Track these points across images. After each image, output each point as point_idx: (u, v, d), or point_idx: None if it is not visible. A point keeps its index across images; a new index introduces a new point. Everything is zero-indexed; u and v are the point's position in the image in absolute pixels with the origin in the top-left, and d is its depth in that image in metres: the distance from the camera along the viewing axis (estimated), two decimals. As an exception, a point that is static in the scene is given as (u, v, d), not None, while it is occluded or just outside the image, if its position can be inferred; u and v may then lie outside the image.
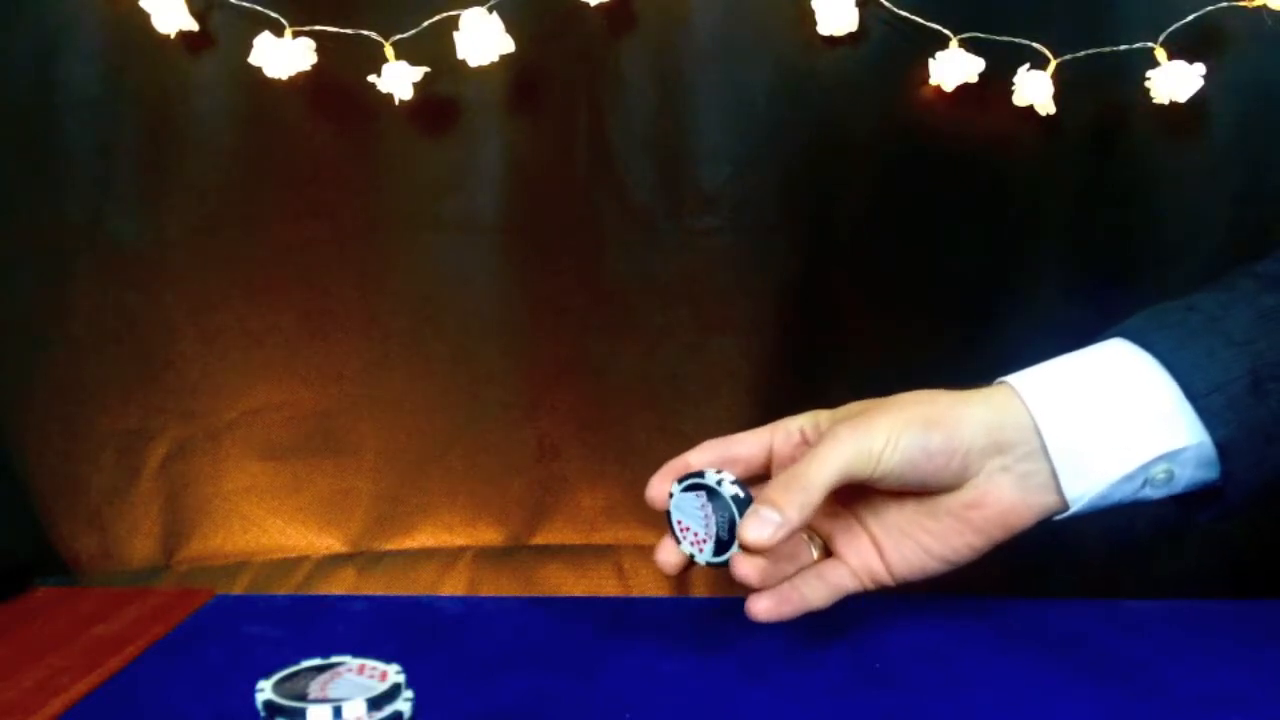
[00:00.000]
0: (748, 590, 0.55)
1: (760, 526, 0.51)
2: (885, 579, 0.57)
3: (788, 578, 0.56)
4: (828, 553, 0.59)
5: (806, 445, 0.59)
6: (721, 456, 0.59)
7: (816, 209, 0.78)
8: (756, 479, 0.59)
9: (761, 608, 0.54)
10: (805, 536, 0.59)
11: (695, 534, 0.56)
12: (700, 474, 0.55)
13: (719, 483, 0.54)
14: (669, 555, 0.57)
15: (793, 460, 0.59)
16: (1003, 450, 0.55)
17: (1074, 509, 0.55)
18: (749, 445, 0.59)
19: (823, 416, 0.58)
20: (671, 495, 0.56)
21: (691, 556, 0.56)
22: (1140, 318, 0.58)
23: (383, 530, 0.82)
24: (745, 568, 0.53)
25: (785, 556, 0.57)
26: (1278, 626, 0.62)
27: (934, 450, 0.53)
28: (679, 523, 0.56)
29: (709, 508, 0.55)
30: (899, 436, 0.53)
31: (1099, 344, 0.58)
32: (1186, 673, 0.56)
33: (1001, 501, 0.55)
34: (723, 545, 0.54)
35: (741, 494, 0.54)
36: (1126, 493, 0.55)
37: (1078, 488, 0.55)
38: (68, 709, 0.54)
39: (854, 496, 0.58)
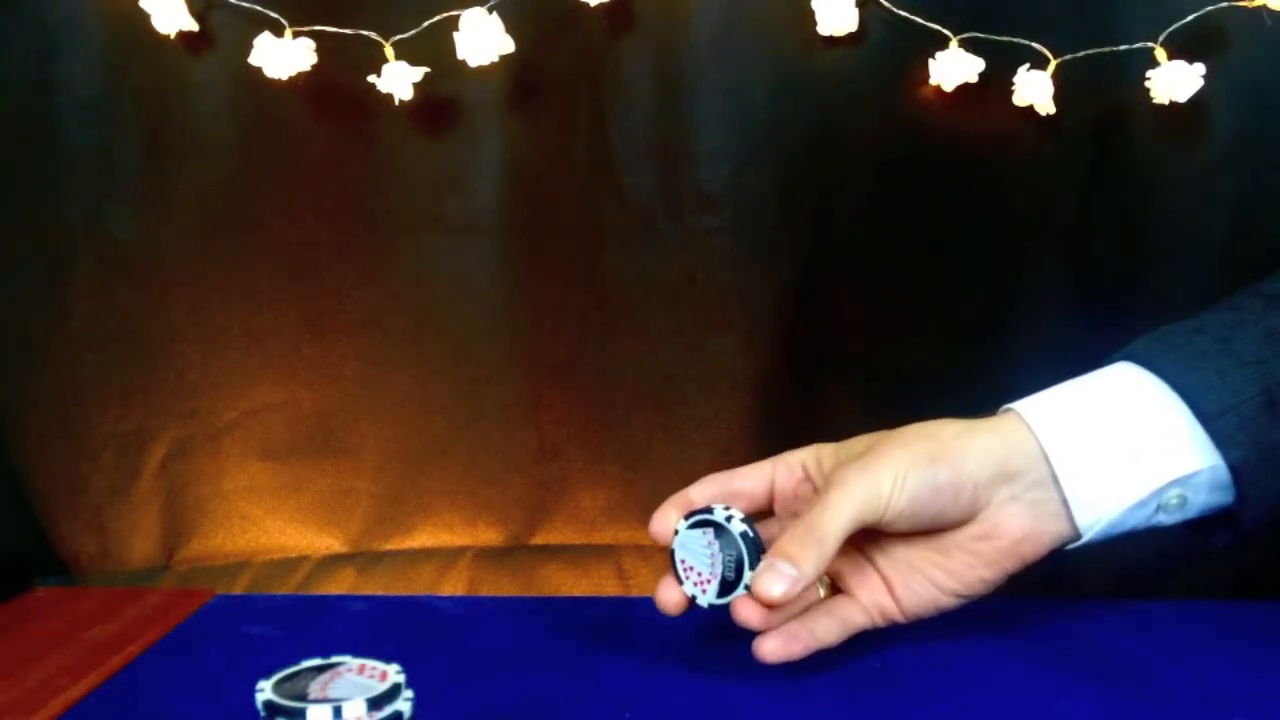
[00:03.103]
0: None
1: (776, 581, 0.50)
2: (896, 615, 0.56)
3: (793, 617, 0.55)
4: (835, 589, 0.58)
5: (808, 481, 0.58)
6: (723, 491, 0.58)
7: (816, 209, 0.78)
8: (759, 514, 0.59)
9: (769, 649, 0.53)
10: None
11: (699, 573, 0.55)
12: (708, 510, 0.55)
13: (728, 519, 0.54)
14: (670, 595, 0.56)
15: (796, 497, 0.58)
16: (1010, 479, 0.54)
17: (1086, 537, 0.55)
18: (751, 480, 0.58)
19: (825, 452, 0.58)
20: (677, 532, 0.55)
21: (694, 598, 0.55)
22: (1146, 340, 0.57)
23: (383, 530, 0.82)
24: (747, 611, 0.52)
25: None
26: (1278, 627, 0.62)
27: (941, 486, 0.53)
28: (683, 561, 0.55)
29: (715, 545, 0.54)
30: (905, 476, 0.52)
31: (1105, 368, 0.57)
32: (1187, 674, 0.56)
33: (1013, 532, 0.54)
34: (728, 586, 0.54)
35: (750, 533, 0.53)
36: (1139, 519, 0.55)
37: (1089, 516, 0.54)
38: (68, 709, 0.54)
39: (862, 534, 0.57)
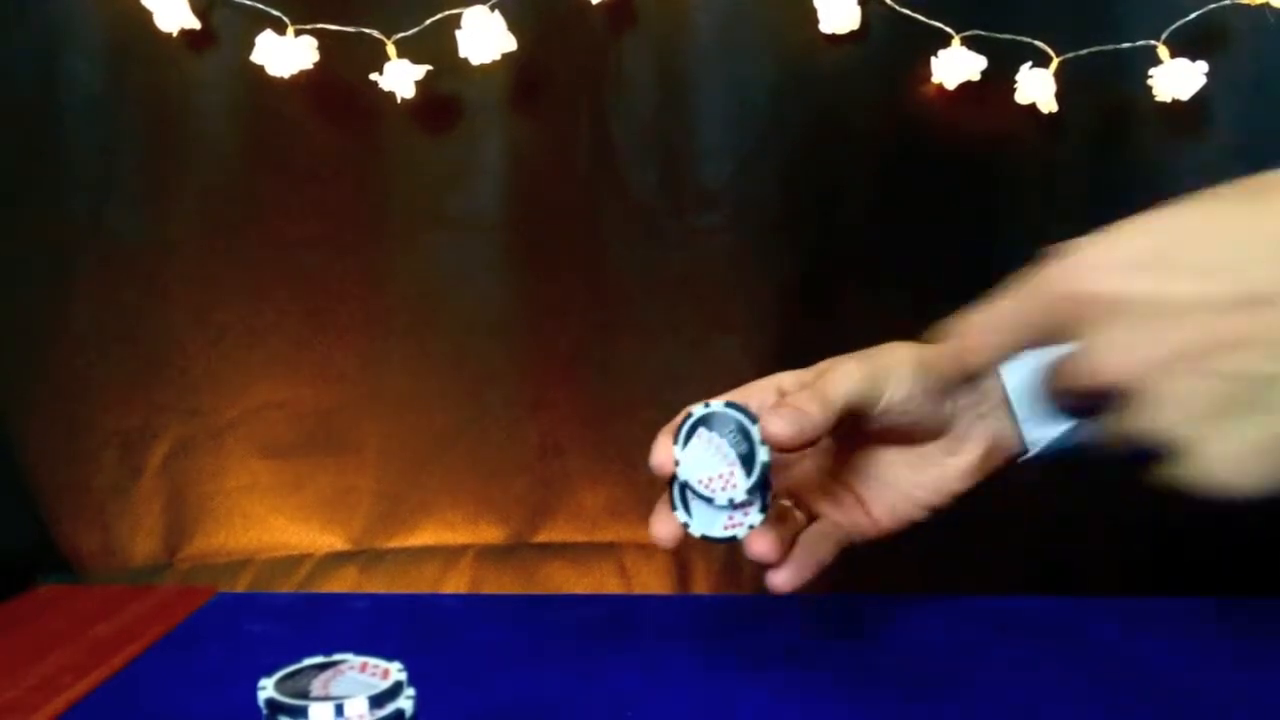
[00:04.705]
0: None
1: (785, 420, 0.49)
2: (871, 532, 0.57)
3: (789, 545, 0.55)
4: (810, 518, 0.58)
5: None
6: None
7: (818, 206, 0.78)
8: None
9: (783, 579, 0.53)
10: (788, 503, 0.58)
11: (720, 475, 0.52)
12: (688, 414, 0.52)
13: (707, 405, 0.52)
14: (665, 526, 0.53)
15: None
16: (980, 400, 0.56)
17: (1033, 452, 0.57)
18: None
19: (803, 373, 0.57)
20: (678, 463, 0.52)
21: (686, 526, 0.52)
22: None
23: (385, 528, 0.82)
24: (761, 545, 0.52)
25: (784, 523, 0.57)
26: (1278, 625, 0.62)
27: (932, 391, 0.54)
28: (700, 481, 0.52)
29: (714, 436, 0.52)
30: (901, 369, 0.54)
31: None
32: (1188, 671, 0.56)
33: (979, 448, 0.56)
34: (748, 460, 0.51)
35: (735, 400, 0.52)
36: (1083, 436, 0.56)
37: (1035, 434, 0.56)
38: (70, 707, 0.54)
39: (834, 455, 0.58)
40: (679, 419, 0.53)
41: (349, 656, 0.40)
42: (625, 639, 0.61)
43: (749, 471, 0.52)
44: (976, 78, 0.73)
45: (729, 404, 0.52)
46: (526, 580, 0.83)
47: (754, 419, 0.51)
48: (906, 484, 0.57)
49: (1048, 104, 0.73)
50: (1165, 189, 0.76)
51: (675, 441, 0.53)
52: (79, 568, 0.80)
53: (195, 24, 0.74)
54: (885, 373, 0.54)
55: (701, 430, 0.53)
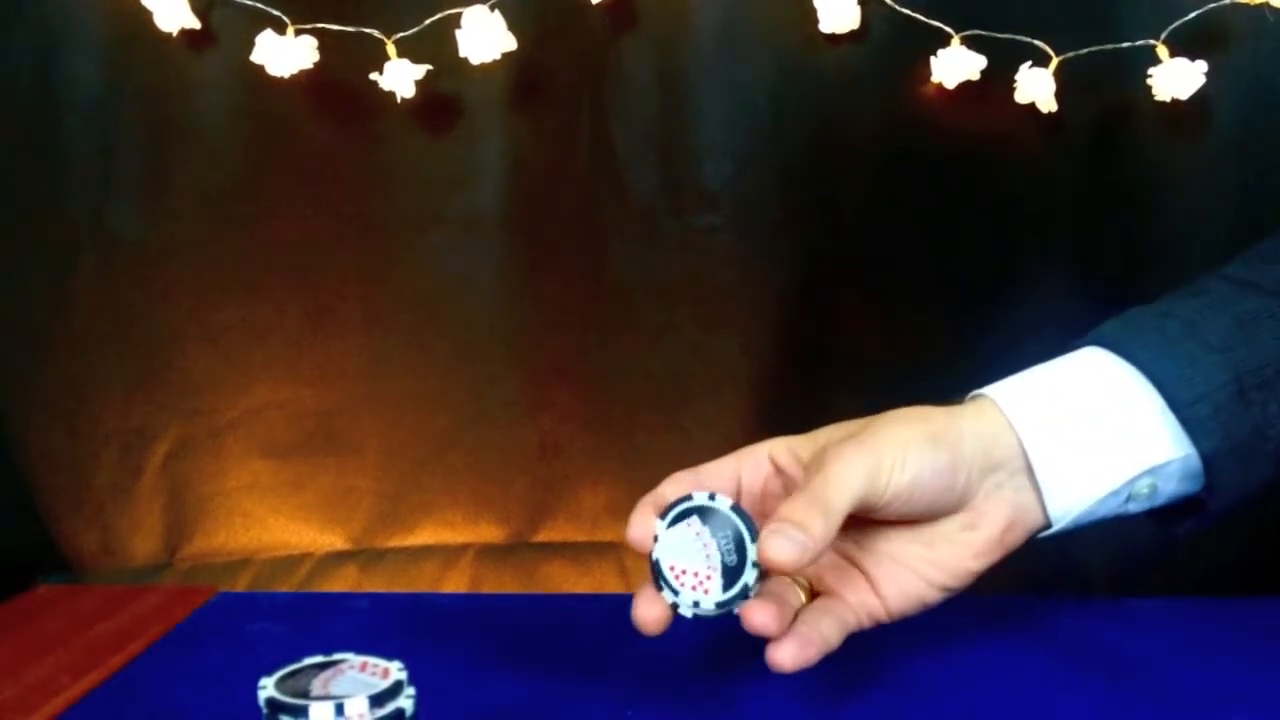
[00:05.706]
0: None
1: (786, 544, 0.45)
2: (881, 615, 0.53)
3: (790, 621, 0.50)
4: (813, 594, 0.54)
5: (780, 475, 0.54)
6: (691, 487, 0.52)
7: (818, 207, 0.78)
8: None
9: (787, 655, 0.48)
10: (789, 578, 0.54)
11: (695, 573, 0.48)
12: (687, 497, 0.49)
13: (712, 498, 0.49)
14: (651, 610, 0.49)
15: (766, 494, 0.54)
16: (996, 469, 0.52)
17: (1056, 527, 0.53)
18: (717, 476, 0.54)
19: (797, 443, 0.54)
20: (656, 538, 0.49)
21: (675, 606, 0.49)
22: (1116, 325, 0.55)
23: (385, 528, 0.83)
24: (761, 616, 0.47)
25: (782, 599, 0.51)
26: (1280, 624, 0.62)
27: (941, 469, 0.50)
28: (672, 568, 0.49)
29: (705, 532, 0.49)
30: (906, 454, 0.49)
31: (1076, 353, 0.55)
32: (1190, 671, 0.56)
33: (999, 521, 0.52)
34: (732, 573, 0.48)
35: (740, 507, 0.49)
36: (1110, 508, 0.53)
37: (1061, 506, 0.53)
38: (69, 707, 0.54)
39: (842, 531, 0.52)
40: (663, 489, 0.51)
41: (349, 656, 0.40)
42: (625, 639, 0.61)
43: (727, 586, 0.48)
44: (976, 77, 0.73)
45: (735, 507, 0.49)
46: (526, 580, 0.83)
47: (754, 535, 0.48)
48: (918, 562, 0.53)
49: (1047, 104, 0.73)
50: (1165, 189, 0.77)
51: (662, 517, 0.49)
52: (79, 568, 0.80)
53: (195, 24, 0.74)
54: (889, 459, 0.49)
55: (695, 519, 0.49)
